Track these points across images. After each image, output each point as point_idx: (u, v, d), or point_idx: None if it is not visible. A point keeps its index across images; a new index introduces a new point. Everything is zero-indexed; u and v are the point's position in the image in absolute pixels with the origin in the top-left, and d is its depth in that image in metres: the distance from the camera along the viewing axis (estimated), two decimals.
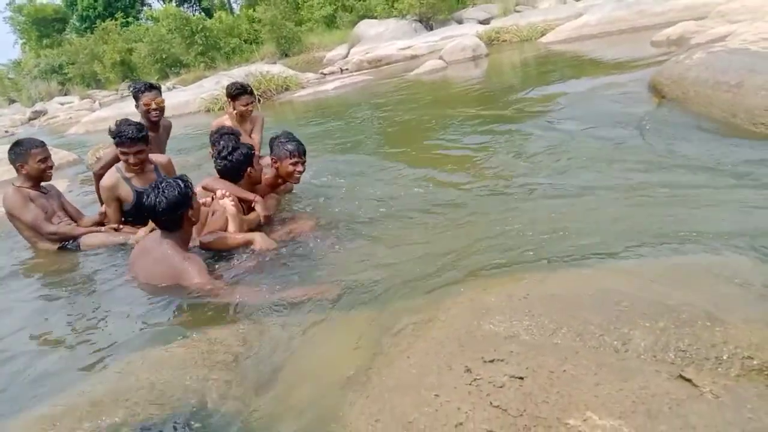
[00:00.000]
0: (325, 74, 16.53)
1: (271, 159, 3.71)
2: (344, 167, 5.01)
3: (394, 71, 13.87)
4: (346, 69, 16.74)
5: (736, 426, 1.32)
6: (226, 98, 5.19)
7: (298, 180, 3.74)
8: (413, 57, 16.03)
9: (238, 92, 4.99)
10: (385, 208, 3.69)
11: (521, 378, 1.52)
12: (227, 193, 3.43)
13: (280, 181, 3.79)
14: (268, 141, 3.86)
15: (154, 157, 4.25)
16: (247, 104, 4.97)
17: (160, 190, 2.92)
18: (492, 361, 1.64)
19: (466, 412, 1.43)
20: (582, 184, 3.34)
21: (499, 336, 1.88)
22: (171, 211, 2.93)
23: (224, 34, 28.73)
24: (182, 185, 2.96)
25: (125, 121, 3.93)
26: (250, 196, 3.60)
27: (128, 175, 4.02)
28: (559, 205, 3.12)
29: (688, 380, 1.51)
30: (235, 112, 5.02)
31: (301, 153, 3.67)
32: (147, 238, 3.28)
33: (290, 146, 3.64)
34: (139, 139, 3.88)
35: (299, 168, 3.66)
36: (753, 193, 2.71)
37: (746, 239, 2.24)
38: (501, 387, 1.50)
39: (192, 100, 14.39)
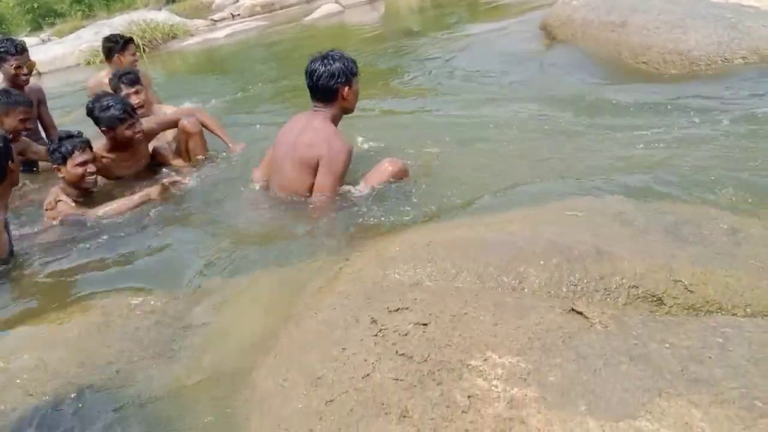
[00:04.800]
0: (215, 21, 15.66)
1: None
2: (243, 120, 4.82)
3: (289, 16, 13.38)
4: (238, 14, 15.93)
5: (623, 353, 1.42)
6: (105, 53, 4.75)
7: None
8: (309, 1, 15.49)
9: (125, 41, 4.60)
10: None
11: (425, 324, 1.55)
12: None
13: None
14: None
15: None
16: (135, 53, 4.62)
17: None
18: (397, 310, 1.66)
19: (373, 362, 1.44)
20: (477, 128, 3.40)
21: (404, 285, 1.91)
22: None
23: None
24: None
25: None
26: None
27: None
28: (455, 152, 3.17)
29: (580, 313, 1.59)
30: (121, 64, 4.64)
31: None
32: None
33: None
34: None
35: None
36: (633, 132, 2.88)
37: (626, 176, 2.38)
38: (406, 335, 1.52)
39: (69, 53, 13.21)
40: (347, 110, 2.95)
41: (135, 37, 11.85)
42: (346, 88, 2.83)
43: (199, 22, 15.12)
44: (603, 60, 4.25)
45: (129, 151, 3.56)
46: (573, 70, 4.19)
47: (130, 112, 3.39)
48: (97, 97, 3.43)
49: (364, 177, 2.90)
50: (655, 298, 1.78)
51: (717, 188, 2.36)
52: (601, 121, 3.12)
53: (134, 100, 3.82)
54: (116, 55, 4.59)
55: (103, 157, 3.46)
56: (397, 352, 1.46)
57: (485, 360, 1.40)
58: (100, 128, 3.41)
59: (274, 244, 2.66)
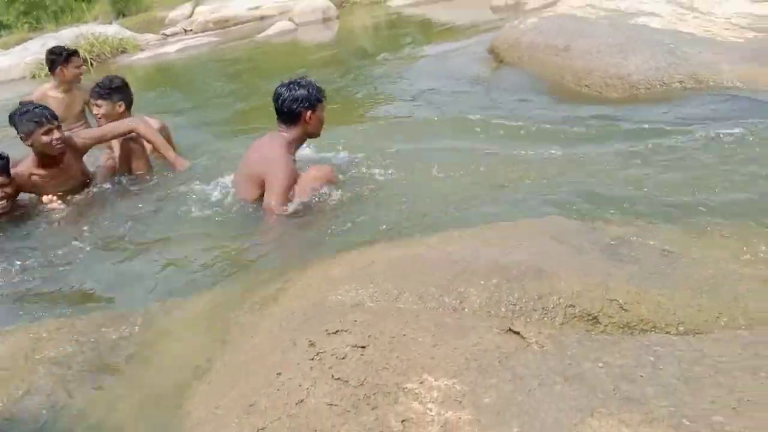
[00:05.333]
0: (167, 35, 15.45)
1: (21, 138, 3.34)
2: (189, 138, 4.72)
3: (242, 33, 13.29)
4: (190, 30, 15.75)
5: (558, 373, 1.43)
6: (48, 65, 4.61)
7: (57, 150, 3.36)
8: (262, 18, 15.43)
9: (69, 53, 4.47)
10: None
11: (363, 347, 1.53)
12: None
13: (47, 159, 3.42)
14: None
15: None
16: (79, 66, 4.49)
17: None
18: (336, 333, 1.63)
19: (308, 387, 1.41)
20: (421, 149, 3.43)
21: (345, 306, 1.88)
22: None
23: None
24: None
25: None
26: None
27: None
28: (399, 172, 3.18)
29: (517, 333, 1.60)
30: (64, 78, 4.51)
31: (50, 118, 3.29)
32: None
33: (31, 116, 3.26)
34: None
35: (55, 135, 3.29)
36: (572, 154, 2.95)
37: (565, 197, 2.43)
38: (343, 358, 1.49)
39: (15, 64, 12.81)
40: (311, 134, 3.09)
41: (82, 51, 11.74)
42: (309, 113, 2.98)
43: (150, 37, 14.89)
44: (548, 83, 4.36)
45: (58, 167, 3.42)
46: (518, 93, 4.28)
47: (48, 117, 3.25)
48: (20, 104, 3.32)
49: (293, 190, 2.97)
50: (591, 317, 1.81)
51: (653, 209, 2.43)
52: (542, 144, 3.19)
53: (95, 111, 3.83)
54: (59, 67, 4.47)
55: (31, 174, 3.33)
56: (333, 376, 1.43)
57: (421, 383, 1.39)
58: (19, 136, 3.28)
59: (214, 264, 2.60)
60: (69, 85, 4.57)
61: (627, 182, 2.63)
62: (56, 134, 3.28)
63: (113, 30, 14.25)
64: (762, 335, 1.61)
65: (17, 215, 3.34)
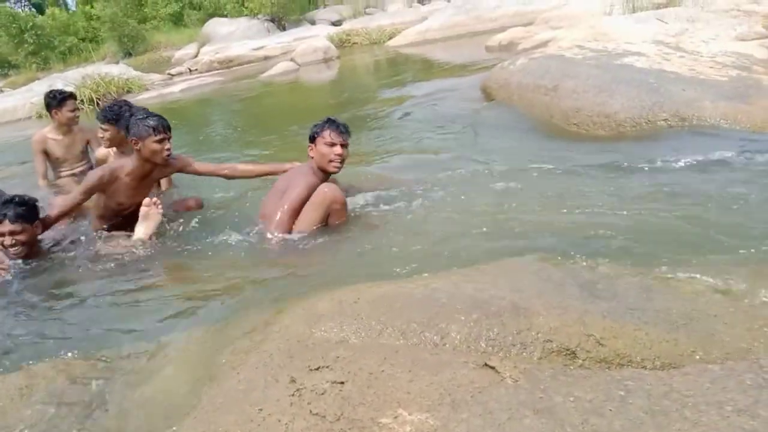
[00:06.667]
0: (172, 75, 15.79)
1: (131, 141, 3.36)
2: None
3: (246, 72, 13.60)
4: (195, 69, 16.11)
5: (528, 406, 1.47)
6: (46, 108, 4.77)
7: (165, 160, 3.39)
8: (266, 58, 15.83)
9: (63, 97, 4.62)
10: (229, 224, 3.61)
11: (342, 383, 1.58)
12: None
13: (148, 166, 3.43)
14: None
15: None
16: (73, 110, 4.62)
17: None
18: (317, 369, 1.69)
19: (286, 423, 1.46)
20: (413, 185, 3.52)
21: (329, 342, 1.93)
22: None
23: (59, 32, 26.31)
24: None
25: None
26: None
27: None
28: (389, 210, 3.27)
29: (492, 368, 1.65)
30: (60, 121, 4.65)
31: (165, 128, 3.35)
32: None
33: (152, 121, 3.30)
34: None
35: (166, 146, 3.34)
36: (558, 190, 3.03)
37: (549, 234, 2.50)
38: (322, 394, 1.55)
39: (21, 105, 13.06)
40: (320, 167, 3.22)
41: (88, 91, 12.00)
42: (311, 146, 3.23)
43: (156, 77, 15.23)
44: (537, 122, 4.48)
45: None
46: (507, 131, 4.40)
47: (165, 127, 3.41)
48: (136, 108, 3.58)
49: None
50: (568, 352, 1.85)
51: (634, 244, 2.49)
52: (529, 182, 3.28)
53: (100, 134, 4.08)
54: (53, 110, 4.62)
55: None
56: (311, 411, 1.48)
57: (395, 417, 1.43)
58: (130, 139, 3.37)
59: (205, 300, 2.66)
60: (67, 127, 4.70)
61: (609, 220, 2.70)
62: (168, 144, 3.38)
63: (118, 70, 14.58)
64: (731, 370, 1.66)
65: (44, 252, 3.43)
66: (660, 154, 3.59)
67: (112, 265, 3.20)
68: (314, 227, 3.10)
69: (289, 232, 3.11)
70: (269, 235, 3.11)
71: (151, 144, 3.29)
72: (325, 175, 3.23)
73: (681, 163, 3.34)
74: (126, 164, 3.42)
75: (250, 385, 1.71)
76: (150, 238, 3.32)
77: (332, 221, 3.13)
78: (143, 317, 2.66)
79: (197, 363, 2.13)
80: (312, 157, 3.22)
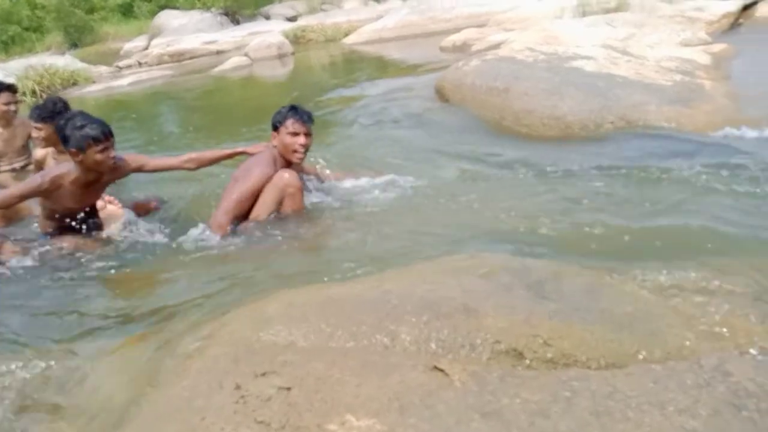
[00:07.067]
0: (120, 67, 15.29)
1: (70, 152, 3.07)
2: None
3: (197, 66, 13.31)
4: (145, 62, 15.64)
5: (476, 409, 1.47)
6: None
7: (111, 167, 3.15)
8: (218, 52, 15.51)
9: None
10: (189, 222, 3.51)
11: (288, 388, 1.55)
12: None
13: (93, 174, 3.16)
14: None
15: None
16: (8, 102, 4.42)
17: None
18: (264, 375, 1.65)
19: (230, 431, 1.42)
20: (367, 185, 3.50)
21: (277, 346, 1.89)
22: None
23: (0, 21, 25.15)
24: None
25: None
26: None
27: None
28: (337, 210, 3.25)
29: (441, 370, 1.64)
30: None
31: (107, 135, 3.05)
32: None
33: (90, 131, 2.99)
34: None
35: (110, 154, 3.07)
36: (507, 191, 3.07)
37: (499, 235, 2.52)
38: (268, 400, 1.51)
39: None
40: (283, 157, 3.20)
41: (31, 83, 11.51)
42: (274, 134, 3.21)
43: (103, 69, 14.70)
44: (489, 123, 4.53)
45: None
46: (459, 133, 4.44)
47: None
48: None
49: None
50: (516, 353, 1.86)
51: (580, 245, 2.54)
52: (479, 183, 3.31)
53: (35, 134, 3.95)
54: None
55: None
56: (255, 419, 1.44)
57: (342, 423, 1.41)
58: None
59: (153, 301, 2.58)
60: (6, 121, 4.50)
61: (557, 220, 2.75)
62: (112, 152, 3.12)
63: (64, 62, 14.02)
64: (672, 370, 1.70)
65: None
66: (606, 157, 3.69)
67: (55, 267, 3.07)
68: (269, 212, 3.07)
69: (238, 223, 3.09)
70: (208, 233, 3.07)
71: (93, 155, 3.02)
72: (288, 165, 3.19)
73: (625, 165, 3.43)
74: (70, 171, 3.14)
75: (194, 392, 1.65)
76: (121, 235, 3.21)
77: (286, 207, 3.09)
78: (84, 323, 2.56)
79: (139, 369, 2.06)
80: (275, 146, 3.20)
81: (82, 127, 2.99)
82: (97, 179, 3.21)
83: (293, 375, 1.62)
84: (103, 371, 2.12)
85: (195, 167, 3.50)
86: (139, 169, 3.43)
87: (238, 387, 1.59)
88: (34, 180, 3.18)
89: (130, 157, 3.40)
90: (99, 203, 3.40)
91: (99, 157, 3.03)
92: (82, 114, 3.14)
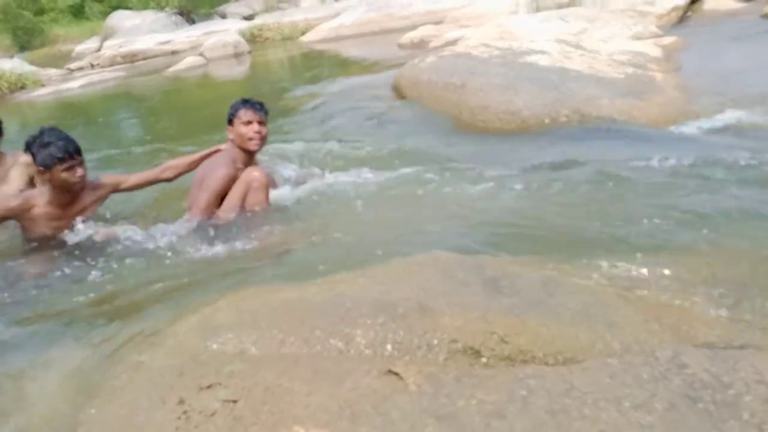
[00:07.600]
0: (71, 70, 14.85)
1: (38, 171, 3.02)
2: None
3: (151, 67, 13.01)
4: (97, 64, 15.23)
5: (431, 413, 1.43)
6: None
7: (80, 186, 3.08)
8: (173, 52, 15.22)
9: None
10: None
11: (234, 401, 1.47)
12: None
13: (66, 195, 3.08)
14: None
15: None
16: None
17: None
18: (209, 387, 1.57)
19: None
20: (325, 183, 3.44)
21: (226, 355, 1.81)
22: None
23: None
24: None
25: None
26: None
27: None
28: (291, 209, 3.18)
29: (396, 374, 1.59)
30: None
31: (72, 153, 2.96)
32: None
33: (55, 150, 2.91)
34: None
35: (77, 172, 3.00)
36: (461, 186, 3.05)
37: (453, 232, 2.49)
38: (212, 415, 1.43)
39: None
40: (241, 147, 3.20)
41: None
42: (229, 128, 3.22)
43: (53, 72, 14.24)
44: (446, 119, 4.52)
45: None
46: (416, 129, 4.41)
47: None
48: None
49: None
50: (473, 351, 1.83)
51: (534, 240, 2.53)
52: (434, 179, 3.27)
53: None
54: None
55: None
56: None
57: None
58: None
59: (100, 309, 2.47)
60: None
61: (511, 215, 2.73)
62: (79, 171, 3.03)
63: (11, 64, 13.54)
64: (628, 364, 1.69)
65: None
66: (561, 151, 3.70)
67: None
68: (234, 209, 3.08)
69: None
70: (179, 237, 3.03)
71: (59, 174, 2.94)
72: (249, 156, 3.20)
73: (579, 159, 3.44)
74: (44, 193, 3.08)
75: (134, 407, 1.57)
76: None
77: (250, 202, 3.07)
78: (24, 332, 2.43)
79: (80, 383, 1.95)
80: (232, 140, 3.20)
81: (48, 144, 2.92)
82: (73, 199, 3.12)
83: (240, 386, 1.55)
84: (44, 384, 2.00)
85: (174, 176, 3.43)
86: (117, 189, 3.34)
87: (181, 401, 1.51)
88: (5, 204, 3.09)
89: (106, 178, 3.33)
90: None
91: (64, 175, 2.95)
92: (51, 131, 3.02)
